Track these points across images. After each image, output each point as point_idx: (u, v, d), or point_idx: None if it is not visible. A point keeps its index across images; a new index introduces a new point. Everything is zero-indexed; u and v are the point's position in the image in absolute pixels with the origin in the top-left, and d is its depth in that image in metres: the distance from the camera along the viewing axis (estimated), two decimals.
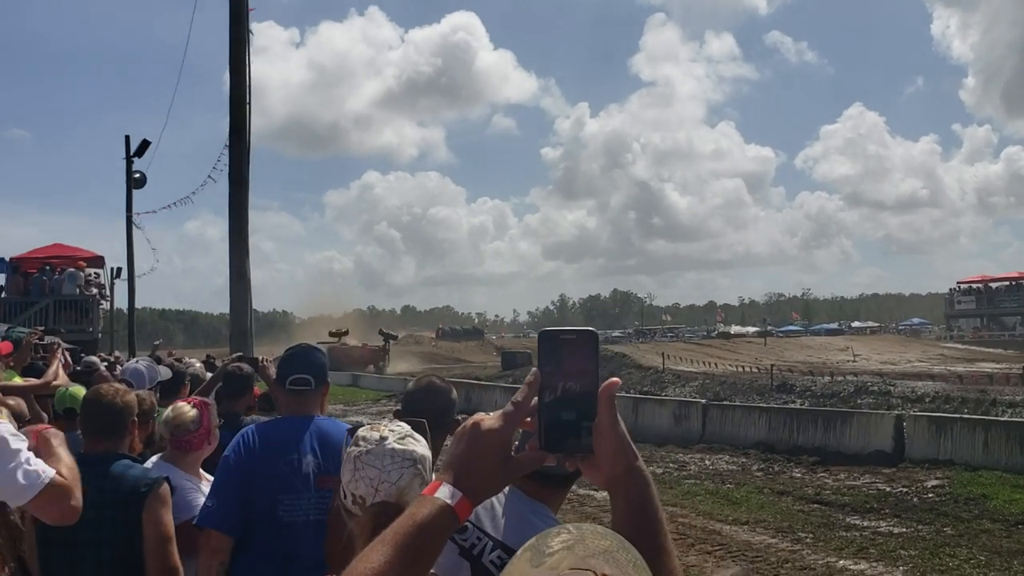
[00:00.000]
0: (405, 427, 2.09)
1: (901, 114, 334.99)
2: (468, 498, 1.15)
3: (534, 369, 1.18)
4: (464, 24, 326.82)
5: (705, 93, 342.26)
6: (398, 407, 3.16)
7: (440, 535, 1.13)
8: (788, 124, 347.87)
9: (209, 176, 16.71)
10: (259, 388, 5.71)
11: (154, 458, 4.03)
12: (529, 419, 1.18)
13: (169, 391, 5.90)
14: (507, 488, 2.39)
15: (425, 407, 3.08)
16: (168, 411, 3.98)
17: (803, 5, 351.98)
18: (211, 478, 4.00)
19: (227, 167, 14.01)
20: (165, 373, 6.24)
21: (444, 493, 1.14)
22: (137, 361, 6.89)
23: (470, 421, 1.21)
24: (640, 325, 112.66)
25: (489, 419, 1.19)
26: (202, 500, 3.72)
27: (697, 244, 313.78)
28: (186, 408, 3.94)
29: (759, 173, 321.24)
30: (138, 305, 31.93)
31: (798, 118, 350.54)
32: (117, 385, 3.90)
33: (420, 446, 2.04)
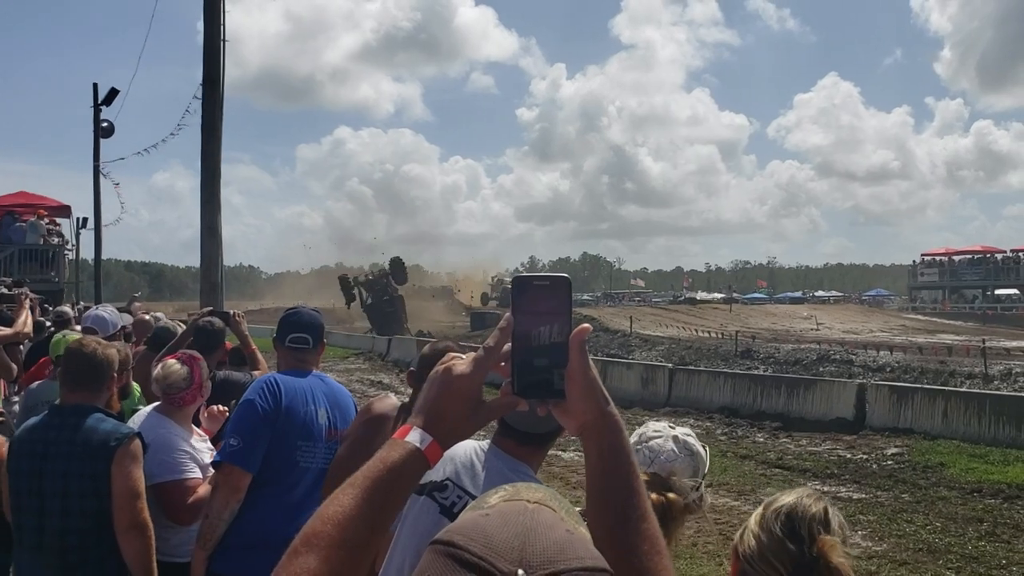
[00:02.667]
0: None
1: (876, 85, 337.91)
2: (438, 442, 1.15)
3: (507, 315, 1.17)
4: None
5: (685, 58, 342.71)
6: (412, 368, 3.16)
7: (410, 478, 1.13)
8: (764, 92, 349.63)
9: (179, 125, 16.38)
10: (230, 343, 5.65)
11: (148, 408, 4.01)
12: (504, 364, 1.17)
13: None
14: (488, 447, 2.42)
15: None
16: (158, 369, 3.94)
17: None
18: (202, 432, 4.00)
19: (199, 117, 13.71)
20: (127, 320, 6.18)
21: (414, 437, 1.14)
22: (98, 308, 6.80)
23: (440, 365, 1.20)
24: (609, 289, 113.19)
25: (460, 364, 1.19)
26: (189, 460, 3.73)
27: (669, 210, 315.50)
28: (176, 366, 3.90)
29: (732, 141, 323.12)
30: (104, 256, 31.48)
31: (774, 86, 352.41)
32: (100, 339, 3.85)
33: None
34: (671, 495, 2.01)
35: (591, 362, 1.16)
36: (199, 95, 13.63)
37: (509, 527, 0.86)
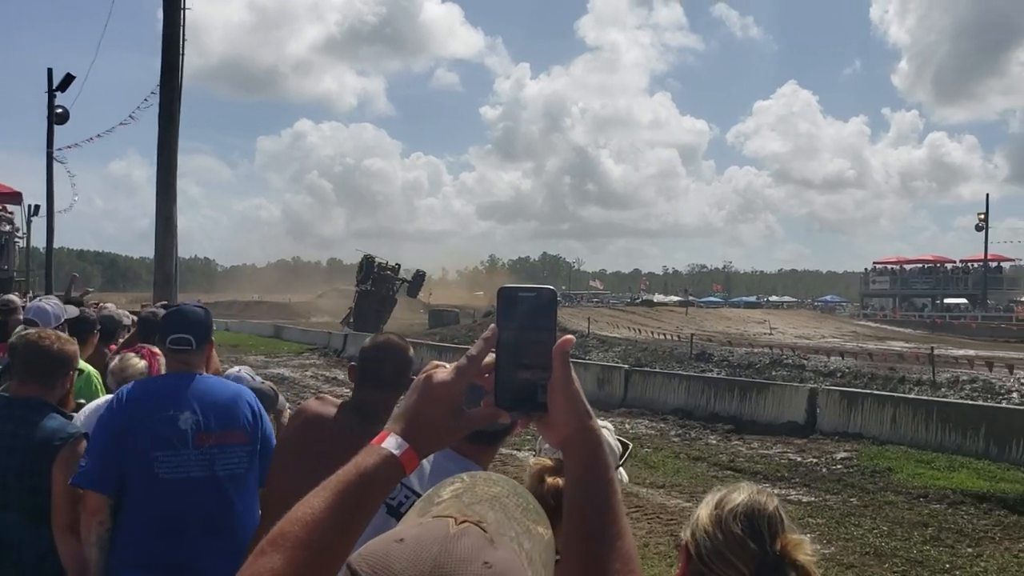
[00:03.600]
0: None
1: (834, 94, 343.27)
2: (415, 449, 1.14)
3: (492, 325, 1.16)
4: None
5: (649, 62, 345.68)
6: (353, 363, 3.10)
7: (383, 485, 1.11)
8: (725, 98, 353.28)
9: (137, 108, 16.08)
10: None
11: (100, 400, 3.91)
12: (487, 375, 1.16)
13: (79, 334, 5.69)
14: None
15: (382, 364, 3.03)
16: (116, 361, 3.85)
17: None
18: None
19: (157, 105, 13.47)
20: (72, 312, 6.03)
21: (391, 443, 1.13)
22: (40, 299, 6.64)
23: (422, 373, 1.19)
24: (567, 290, 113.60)
25: (441, 372, 1.18)
26: None
27: (629, 212, 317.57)
28: (135, 359, 3.81)
29: (693, 145, 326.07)
30: (55, 245, 30.88)
31: (735, 92, 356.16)
32: (60, 333, 3.75)
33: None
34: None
35: (574, 375, 1.16)
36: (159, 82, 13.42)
37: (417, 563, 0.81)
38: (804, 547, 1.71)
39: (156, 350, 3.96)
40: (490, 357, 1.16)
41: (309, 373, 24.60)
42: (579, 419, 1.15)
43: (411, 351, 3.13)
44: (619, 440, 2.31)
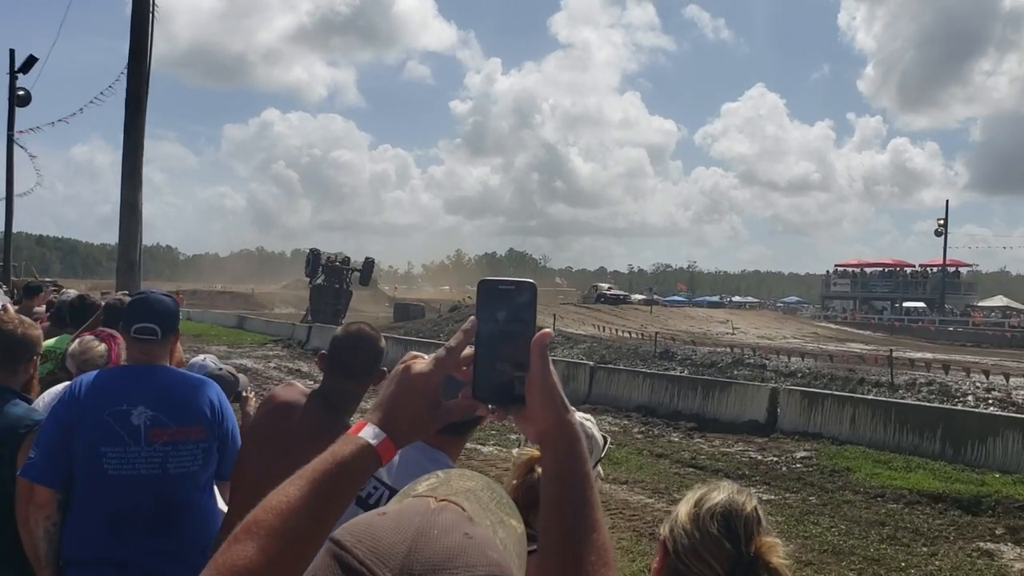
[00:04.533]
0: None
1: (801, 98, 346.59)
2: (391, 440, 1.14)
3: (471, 317, 1.16)
4: None
5: (621, 61, 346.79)
6: (323, 351, 3.08)
7: (359, 475, 1.11)
8: (694, 99, 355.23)
9: (102, 93, 15.80)
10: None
11: (60, 387, 3.83)
12: (465, 368, 1.17)
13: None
14: None
15: (351, 355, 3.01)
16: (75, 344, 3.79)
17: None
18: None
19: (124, 90, 13.24)
20: (70, 295, 5.96)
21: (368, 433, 1.13)
22: None
23: (401, 364, 1.19)
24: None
25: (420, 363, 1.18)
26: None
27: (596, 211, 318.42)
28: (95, 342, 3.75)
29: (661, 145, 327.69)
30: (14, 230, 30.33)
31: (704, 94, 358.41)
32: (24, 317, 3.68)
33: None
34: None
35: (552, 368, 1.15)
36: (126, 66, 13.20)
37: (401, 531, 0.83)
38: (778, 550, 1.73)
39: (116, 333, 3.89)
40: (469, 350, 1.16)
41: (272, 364, 24.41)
42: (556, 413, 1.15)
43: (383, 342, 3.12)
44: (602, 435, 2.32)
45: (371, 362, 3.01)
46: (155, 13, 13.05)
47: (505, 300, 1.16)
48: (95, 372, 3.35)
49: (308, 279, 43.61)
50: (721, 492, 1.83)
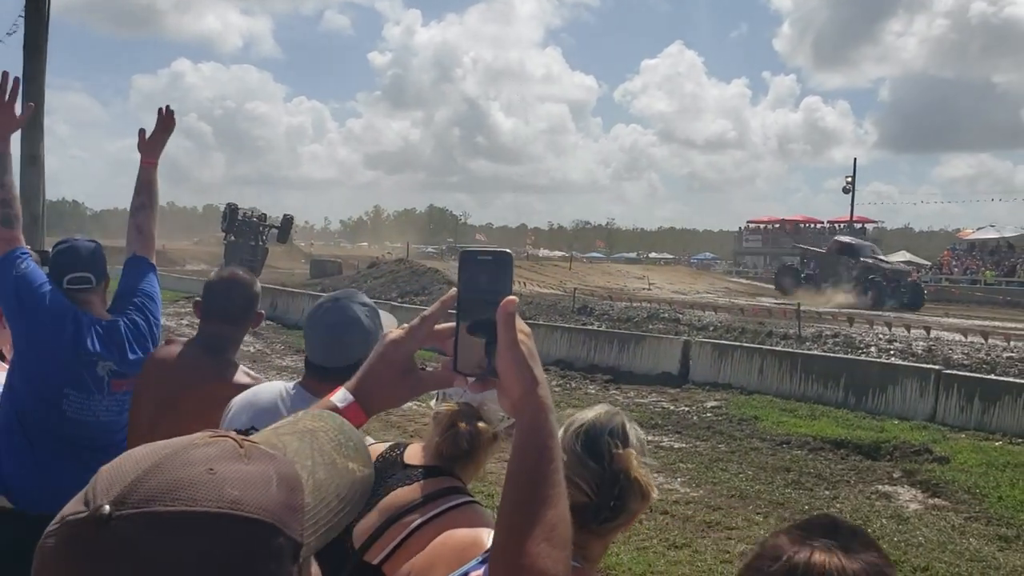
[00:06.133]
0: None
1: (719, 56, 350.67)
2: (360, 405, 1.17)
3: (452, 288, 1.18)
4: None
5: (544, 15, 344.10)
6: (198, 298, 3.03)
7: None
8: (615, 55, 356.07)
9: (6, 36, 14.94)
10: None
11: None
12: (442, 338, 1.19)
13: None
14: (293, 388, 2.38)
15: (227, 299, 2.98)
16: None
17: None
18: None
19: (21, 35, 12.53)
20: None
21: (337, 397, 1.17)
22: None
23: (384, 333, 1.23)
24: (454, 242, 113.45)
25: (396, 331, 1.21)
26: None
27: (518, 167, 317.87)
28: None
29: (582, 102, 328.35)
30: None
31: (625, 50, 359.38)
32: None
33: None
34: (480, 424, 2.02)
35: (521, 338, 1.13)
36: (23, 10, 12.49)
37: (142, 460, 0.77)
38: (634, 462, 1.73)
39: None
40: (451, 323, 1.17)
41: (185, 322, 23.82)
42: (522, 385, 1.13)
43: (258, 286, 3.11)
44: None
45: (247, 306, 3.02)
46: None
47: (483, 270, 1.15)
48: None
49: (224, 235, 42.55)
50: (589, 412, 1.83)
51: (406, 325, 1.22)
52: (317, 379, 2.30)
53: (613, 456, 1.71)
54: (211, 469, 0.77)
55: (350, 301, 2.36)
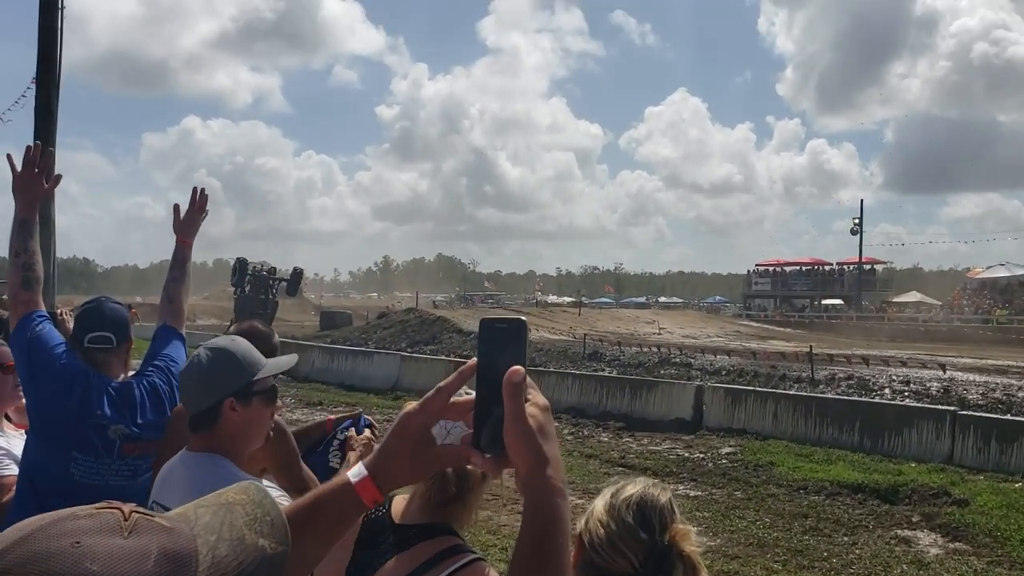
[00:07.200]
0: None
1: (723, 102, 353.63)
2: (374, 480, 1.11)
3: (473, 358, 1.11)
4: None
5: (550, 66, 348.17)
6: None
7: (336, 510, 1.11)
8: (620, 103, 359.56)
9: (9, 109, 15.21)
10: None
11: None
12: (456, 411, 1.13)
13: None
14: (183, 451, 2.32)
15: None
16: None
17: None
18: (14, 427, 3.69)
19: (34, 97, 12.76)
20: None
21: (353, 471, 1.12)
22: None
23: (405, 408, 1.17)
24: (462, 291, 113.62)
25: (411, 404, 1.15)
26: (5, 455, 3.45)
27: (525, 215, 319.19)
28: None
29: (588, 149, 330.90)
30: None
31: (629, 98, 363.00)
32: None
33: None
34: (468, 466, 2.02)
35: (531, 411, 1.07)
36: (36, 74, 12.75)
37: (20, 529, 0.76)
38: (690, 537, 1.76)
39: (3, 344, 3.76)
40: (472, 394, 1.11)
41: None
42: (528, 463, 1.06)
43: (276, 338, 3.14)
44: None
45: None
46: (63, 15, 12.63)
47: (499, 339, 1.10)
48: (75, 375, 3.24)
49: (233, 289, 42.76)
50: (636, 485, 1.86)
51: (423, 397, 1.15)
52: (191, 431, 2.29)
53: (667, 530, 1.73)
54: (77, 542, 0.75)
55: (204, 347, 2.33)
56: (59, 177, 3.59)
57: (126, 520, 0.78)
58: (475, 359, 1.11)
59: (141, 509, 0.81)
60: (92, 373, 3.20)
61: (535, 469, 1.05)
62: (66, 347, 3.23)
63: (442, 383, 1.12)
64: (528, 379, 1.08)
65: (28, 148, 3.38)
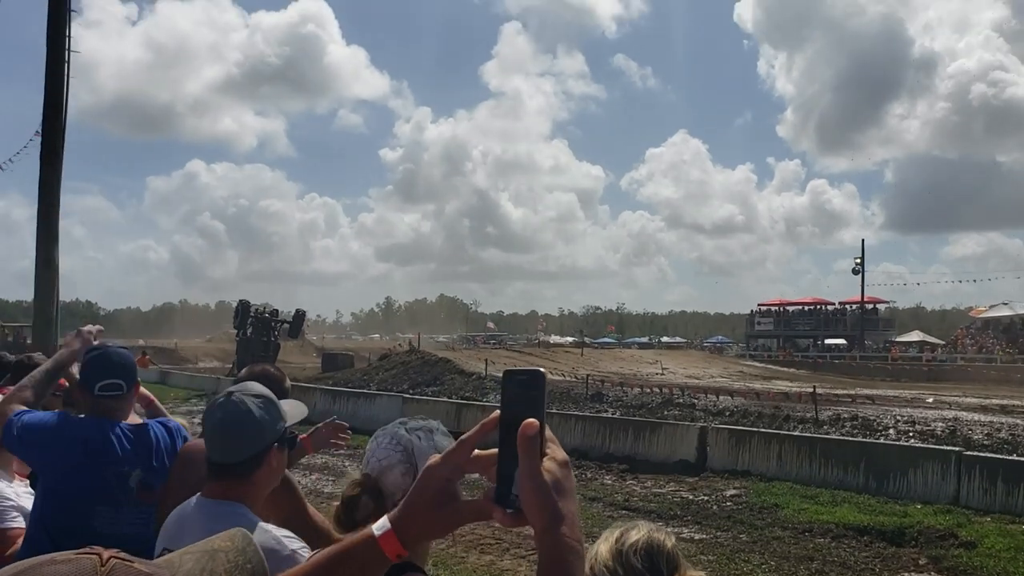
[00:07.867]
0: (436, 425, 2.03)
1: (724, 143, 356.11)
2: (397, 533, 1.11)
3: (496, 411, 1.10)
4: (314, 15, 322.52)
5: (551, 109, 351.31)
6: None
7: (359, 562, 1.12)
8: (621, 145, 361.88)
9: (16, 154, 15.39)
10: (63, 381, 5.31)
11: None
12: (476, 465, 1.12)
13: None
14: (195, 498, 2.32)
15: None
16: None
17: (650, 32, 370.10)
18: (20, 477, 3.70)
19: (39, 143, 12.95)
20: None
21: (378, 524, 1.12)
22: None
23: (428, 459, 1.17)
24: (464, 331, 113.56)
25: (435, 457, 1.15)
26: (12, 507, 3.45)
27: (527, 255, 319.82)
28: None
29: (590, 190, 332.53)
30: None
31: (631, 140, 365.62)
32: None
33: (431, 441, 1.98)
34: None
35: (548, 466, 1.05)
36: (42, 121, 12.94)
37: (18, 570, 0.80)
38: None
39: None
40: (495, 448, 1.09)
41: (197, 420, 23.72)
42: (542, 520, 1.04)
43: (287, 382, 3.16)
44: None
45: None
46: (71, 63, 12.83)
47: (519, 391, 1.08)
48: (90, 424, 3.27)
49: (236, 332, 42.86)
50: (640, 530, 1.88)
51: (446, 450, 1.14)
52: (216, 478, 2.27)
53: (675, 574, 1.75)
54: None
55: (243, 394, 2.33)
56: (92, 331, 3.72)
57: (103, 565, 0.79)
58: (497, 411, 1.09)
59: (122, 555, 0.82)
60: (105, 422, 3.22)
61: (550, 526, 1.03)
62: (58, 417, 3.24)
63: (464, 435, 1.11)
64: (548, 432, 1.07)
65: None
